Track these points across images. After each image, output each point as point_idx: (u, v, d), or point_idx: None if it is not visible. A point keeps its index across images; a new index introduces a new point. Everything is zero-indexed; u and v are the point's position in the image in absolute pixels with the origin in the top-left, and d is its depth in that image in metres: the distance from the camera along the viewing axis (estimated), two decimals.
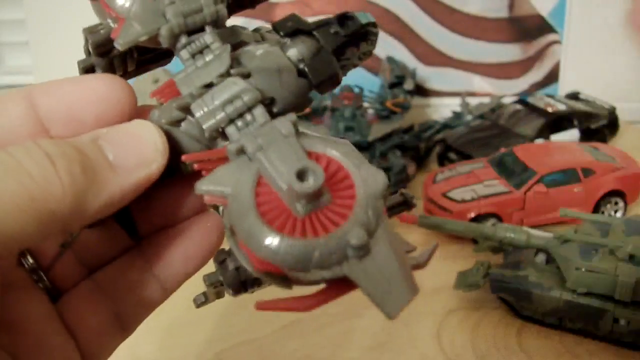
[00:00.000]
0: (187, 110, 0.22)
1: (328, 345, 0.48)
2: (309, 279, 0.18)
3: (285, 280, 0.19)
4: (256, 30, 0.25)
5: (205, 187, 0.20)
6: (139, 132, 0.22)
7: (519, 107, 0.83)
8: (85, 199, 0.20)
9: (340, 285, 0.19)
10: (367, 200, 0.19)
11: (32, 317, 0.23)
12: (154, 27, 0.22)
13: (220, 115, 0.21)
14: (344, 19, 0.24)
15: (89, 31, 0.24)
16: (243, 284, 0.23)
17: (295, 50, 0.23)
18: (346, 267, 0.18)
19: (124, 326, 0.26)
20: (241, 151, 0.20)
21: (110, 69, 0.25)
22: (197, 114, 0.21)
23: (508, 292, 0.49)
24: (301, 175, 0.19)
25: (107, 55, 0.25)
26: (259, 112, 0.21)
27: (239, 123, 0.21)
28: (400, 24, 0.96)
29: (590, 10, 0.94)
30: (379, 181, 0.19)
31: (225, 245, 0.22)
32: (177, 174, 0.23)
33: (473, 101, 0.92)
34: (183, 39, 0.22)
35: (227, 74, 0.21)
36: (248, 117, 0.21)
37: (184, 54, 0.22)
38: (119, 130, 0.22)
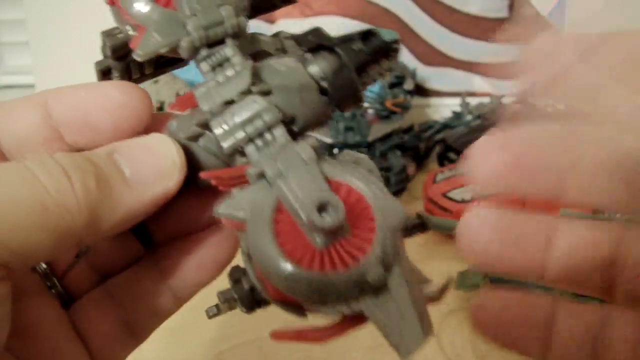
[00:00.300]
0: (206, 127, 0.21)
1: (328, 345, 0.48)
2: (325, 312, 0.19)
3: (300, 310, 0.19)
4: (275, 35, 0.24)
5: (224, 210, 0.20)
6: (156, 147, 0.21)
7: (519, 107, 0.83)
8: (100, 213, 0.19)
9: (357, 318, 0.19)
10: (386, 234, 0.19)
11: (44, 323, 0.23)
12: (174, 38, 0.22)
13: (240, 135, 0.21)
14: (367, 35, 0.23)
15: (107, 34, 0.24)
16: (257, 302, 0.22)
17: (317, 67, 0.22)
18: (363, 303, 0.18)
19: (135, 334, 0.26)
20: (261, 175, 0.20)
21: (127, 71, 0.25)
22: (217, 132, 0.21)
23: None
24: (321, 209, 0.18)
25: (124, 60, 0.24)
26: (280, 132, 0.21)
27: (259, 142, 0.21)
28: (400, 24, 0.96)
29: (589, 9, 0.94)
30: (399, 213, 0.19)
31: (239, 260, 0.22)
32: (192, 185, 0.22)
33: (473, 101, 0.92)
34: (203, 52, 0.22)
35: (248, 92, 0.21)
36: (268, 136, 0.21)
37: (204, 66, 0.22)
38: (135, 144, 0.22)
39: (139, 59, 0.22)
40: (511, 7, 0.95)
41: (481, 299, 0.21)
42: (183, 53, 0.22)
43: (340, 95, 0.22)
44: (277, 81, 0.22)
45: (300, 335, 0.19)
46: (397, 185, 0.68)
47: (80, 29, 0.87)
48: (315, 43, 0.23)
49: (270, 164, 0.20)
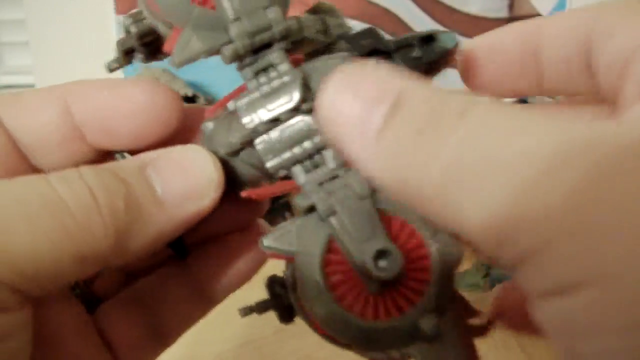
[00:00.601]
0: (250, 143, 0.20)
1: (328, 345, 0.48)
2: (374, 356, 0.18)
3: (348, 347, 0.19)
4: (315, 10, 0.22)
5: (271, 244, 0.19)
6: (192, 162, 0.19)
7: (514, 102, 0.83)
8: (128, 237, 0.18)
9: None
10: (442, 276, 0.18)
11: (68, 330, 0.22)
12: (216, 43, 0.20)
13: (287, 156, 0.20)
14: (427, 40, 0.21)
15: (133, 18, 0.22)
16: (294, 315, 0.21)
17: None
18: (414, 349, 0.18)
19: (163, 339, 0.25)
20: (312, 209, 0.19)
21: (151, 54, 0.23)
22: (261, 151, 0.20)
23: None
24: (379, 256, 0.17)
25: (150, 46, 0.23)
26: (330, 155, 0.19)
27: (307, 164, 0.20)
28: (401, 24, 0.96)
29: None
30: (455, 254, 0.18)
31: (274, 267, 0.21)
32: (228, 192, 0.21)
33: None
34: (247, 59, 0.20)
35: (296, 110, 0.19)
36: (317, 158, 0.20)
37: (247, 73, 0.20)
38: (169, 157, 0.20)
39: (175, 67, 0.20)
40: (511, 7, 0.95)
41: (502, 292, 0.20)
42: (224, 60, 0.20)
43: None
44: None
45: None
46: None
47: (80, 29, 0.87)
48: (370, 48, 0.21)
49: (321, 198, 0.18)
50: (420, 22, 0.96)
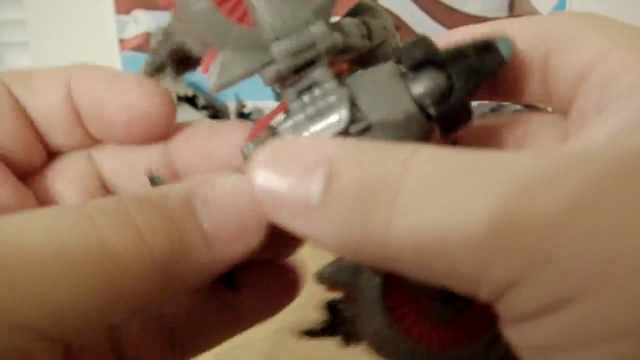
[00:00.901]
0: None
1: (328, 345, 0.48)
2: None
3: None
4: (355, 12, 0.21)
5: (329, 274, 0.18)
6: (241, 197, 0.17)
7: (518, 107, 0.83)
8: (172, 278, 0.16)
9: None
10: None
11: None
12: (257, 65, 0.18)
13: None
14: (484, 49, 0.19)
15: (166, 33, 0.21)
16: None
17: (422, 88, 0.19)
18: None
19: (181, 354, 0.23)
20: None
21: (181, 70, 0.22)
22: None
23: None
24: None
25: (180, 62, 0.22)
26: None
27: None
28: (401, 24, 0.96)
29: (590, 10, 0.94)
30: None
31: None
32: None
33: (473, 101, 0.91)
34: (290, 79, 0.19)
35: (345, 133, 0.18)
36: None
37: (290, 93, 0.19)
38: (217, 188, 0.17)
39: (214, 92, 0.18)
40: (511, 7, 0.95)
41: None
42: (266, 82, 0.19)
43: (449, 123, 0.19)
44: (378, 116, 0.18)
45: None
46: None
47: (80, 29, 0.87)
48: (422, 60, 0.19)
49: None
50: (420, 22, 0.96)
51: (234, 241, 0.17)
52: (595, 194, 0.12)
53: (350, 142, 0.15)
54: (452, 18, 0.96)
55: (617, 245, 0.12)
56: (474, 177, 0.13)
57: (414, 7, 0.96)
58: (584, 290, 0.12)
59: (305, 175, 0.14)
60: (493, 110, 0.86)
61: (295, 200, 0.15)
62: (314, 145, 0.15)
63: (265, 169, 0.15)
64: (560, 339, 0.13)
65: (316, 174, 0.14)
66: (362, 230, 0.14)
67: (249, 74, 0.18)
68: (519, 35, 0.19)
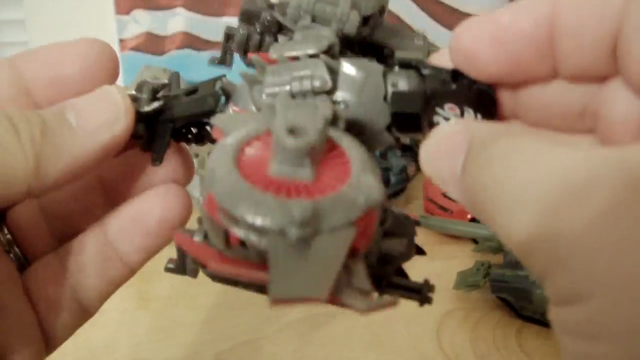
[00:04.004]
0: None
1: (328, 344, 0.48)
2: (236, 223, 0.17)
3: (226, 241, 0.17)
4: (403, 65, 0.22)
5: (217, 121, 0.20)
6: (102, 95, 0.22)
7: None
8: (46, 162, 0.20)
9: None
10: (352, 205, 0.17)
11: None
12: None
13: (285, 83, 0.21)
14: (456, 75, 0.20)
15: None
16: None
17: (397, 80, 0.21)
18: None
19: (84, 303, 0.25)
20: (271, 108, 0.19)
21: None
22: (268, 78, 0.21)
23: (508, 292, 0.49)
24: (293, 131, 0.17)
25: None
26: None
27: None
28: (401, 24, 0.96)
29: None
30: (372, 194, 0.17)
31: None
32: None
33: None
34: None
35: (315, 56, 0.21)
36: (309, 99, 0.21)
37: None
38: (84, 97, 0.23)
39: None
40: None
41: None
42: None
43: (397, 107, 0.21)
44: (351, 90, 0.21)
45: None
46: (397, 185, 0.68)
47: (80, 29, 0.87)
48: (408, 62, 0.21)
49: (284, 102, 0.19)
50: (420, 22, 0.96)
51: (98, 129, 0.22)
52: (620, 204, 0.14)
53: (481, 125, 0.19)
54: (452, 18, 0.96)
55: (618, 255, 0.14)
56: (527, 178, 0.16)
57: (414, 7, 0.96)
58: (589, 292, 0.14)
59: (453, 155, 0.19)
60: None
61: (449, 171, 0.19)
62: (458, 132, 0.19)
63: (428, 150, 0.20)
64: (578, 328, 0.15)
65: (460, 154, 0.19)
66: (479, 188, 0.18)
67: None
68: (582, 6, 0.18)
